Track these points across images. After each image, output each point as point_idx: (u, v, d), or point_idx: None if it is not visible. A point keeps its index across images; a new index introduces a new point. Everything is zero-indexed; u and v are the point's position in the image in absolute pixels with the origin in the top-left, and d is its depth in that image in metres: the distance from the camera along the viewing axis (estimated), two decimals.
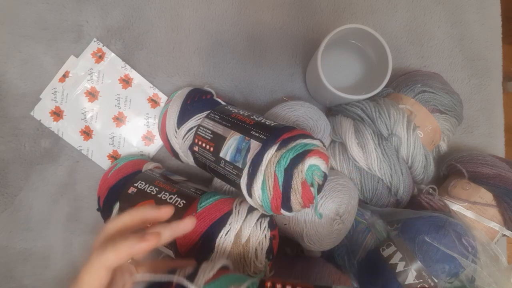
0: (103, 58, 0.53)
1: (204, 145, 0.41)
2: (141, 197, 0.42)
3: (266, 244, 0.37)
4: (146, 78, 0.54)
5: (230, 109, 0.44)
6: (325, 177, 0.37)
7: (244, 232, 0.37)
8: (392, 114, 0.46)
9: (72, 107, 0.53)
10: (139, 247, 0.26)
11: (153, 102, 0.54)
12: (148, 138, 0.54)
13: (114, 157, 0.54)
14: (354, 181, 0.48)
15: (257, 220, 0.38)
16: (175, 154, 0.48)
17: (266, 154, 0.35)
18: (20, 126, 0.53)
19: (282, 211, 0.36)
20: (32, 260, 0.52)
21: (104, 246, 0.27)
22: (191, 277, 0.27)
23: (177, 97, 0.47)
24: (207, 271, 0.28)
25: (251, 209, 0.39)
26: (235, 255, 0.36)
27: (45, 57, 0.53)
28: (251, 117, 0.41)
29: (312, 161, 0.35)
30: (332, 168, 0.49)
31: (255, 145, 0.37)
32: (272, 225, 0.39)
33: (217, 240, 0.36)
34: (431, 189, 0.49)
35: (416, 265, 0.41)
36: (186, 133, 0.44)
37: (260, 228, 0.37)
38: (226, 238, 0.36)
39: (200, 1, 0.56)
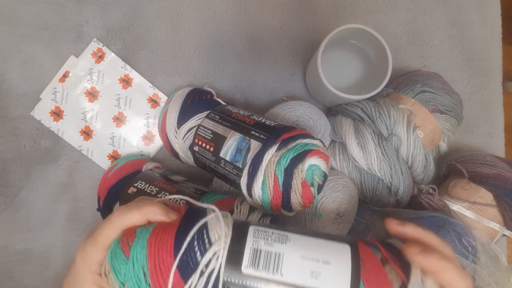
0: (103, 58, 0.53)
1: (204, 145, 0.41)
2: None
3: None
4: (146, 78, 0.54)
5: (230, 109, 0.44)
6: (325, 177, 0.37)
7: None
8: (392, 114, 0.46)
9: (72, 107, 0.53)
10: (161, 218, 0.28)
11: (153, 102, 0.54)
12: (148, 138, 0.54)
13: (114, 157, 0.54)
14: (354, 181, 0.48)
15: (259, 219, 0.38)
16: (175, 154, 0.48)
17: (266, 154, 0.35)
18: (20, 126, 0.53)
19: (282, 211, 0.36)
20: (32, 260, 0.52)
21: (128, 207, 0.28)
22: None
23: (177, 97, 0.47)
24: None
25: (252, 208, 0.39)
26: None
27: (45, 57, 0.53)
28: (251, 117, 0.41)
29: (312, 161, 0.35)
30: (332, 168, 0.49)
31: (255, 145, 0.37)
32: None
33: None
34: (431, 189, 0.49)
35: None
36: (186, 133, 0.44)
37: None
38: None
39: (200, 1, 0.56)
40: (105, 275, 0.27)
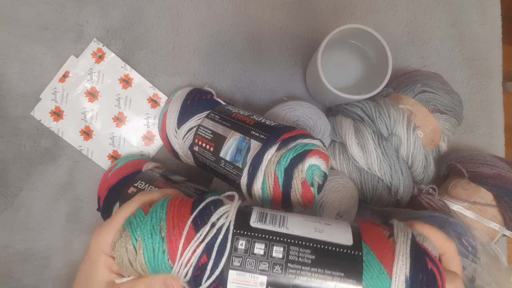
0: (103, 58, 0.53)
1: (204, 145, 0.41)
2: None
3: None
4: (146, 78, 0.54)
5: (230, 109, 0.44)
6: (325, 177, 0.37)
7: None
8: (392, 114, 0.46)
9: (72, 107, 0.53)
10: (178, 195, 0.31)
11: (153, 102, 0.54)
12: (148, 138, 0.54)
13: (114, 157, 0.54)
14: (354, 181, 0.48)
15: None
16: (175, 154, 0.48)
17: (266, 154, 0.35)
18: (20, 126, 0.53)
19: None
20: (32, 260, 0.52)
21: (147, 191, 0.31)
22: None
23: (177, 97, 0.47)
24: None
25: None
26: None
27: (45, 57, 0.53)
28: (251, 117, 0.41)
29: (312, 161, 0.35)
30: (332, 168, 0.49)
31: (255, 145, 0.37)
32: None
33: None
34: (431, 189, 0.49)
35: None
36: (186, 133, 0.44)
37: None
38: None
39: (200, 1, 0.56)
40: (115, 243, 0.27)
